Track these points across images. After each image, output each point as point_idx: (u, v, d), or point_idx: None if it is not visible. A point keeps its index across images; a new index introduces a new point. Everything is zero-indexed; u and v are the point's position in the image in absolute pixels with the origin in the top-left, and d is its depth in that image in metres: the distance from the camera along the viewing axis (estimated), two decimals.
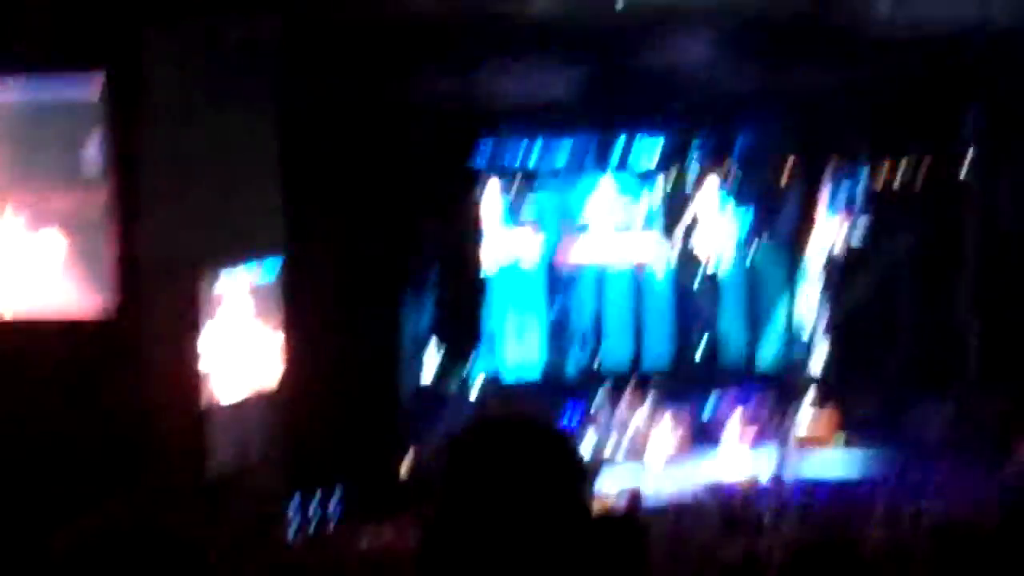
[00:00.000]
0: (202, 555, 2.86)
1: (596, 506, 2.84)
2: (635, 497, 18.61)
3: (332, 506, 17.68)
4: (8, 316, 14.33)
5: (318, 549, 15.94)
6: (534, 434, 2.72)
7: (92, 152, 13.94)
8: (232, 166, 14.94)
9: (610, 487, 18.44)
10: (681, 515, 17.49)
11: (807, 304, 22.72)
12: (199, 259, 14.86)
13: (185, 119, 14.34)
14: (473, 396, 21.07)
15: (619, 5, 14.66)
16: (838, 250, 22.04)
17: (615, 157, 21.94)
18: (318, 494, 17.42)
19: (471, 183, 21.18)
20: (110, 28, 13.63)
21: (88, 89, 13.88)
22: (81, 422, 14.04)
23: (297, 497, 17.15)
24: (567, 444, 2.73)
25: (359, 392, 18.19)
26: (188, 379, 14.98)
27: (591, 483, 2.82)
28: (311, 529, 17.31)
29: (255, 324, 16.01)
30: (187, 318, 14.91)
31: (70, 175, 14.05)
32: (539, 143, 21.46)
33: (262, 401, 16.22)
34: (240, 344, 15.78)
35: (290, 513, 17.07)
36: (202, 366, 15.11)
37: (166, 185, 14.25)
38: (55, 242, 14.09)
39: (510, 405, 20.62)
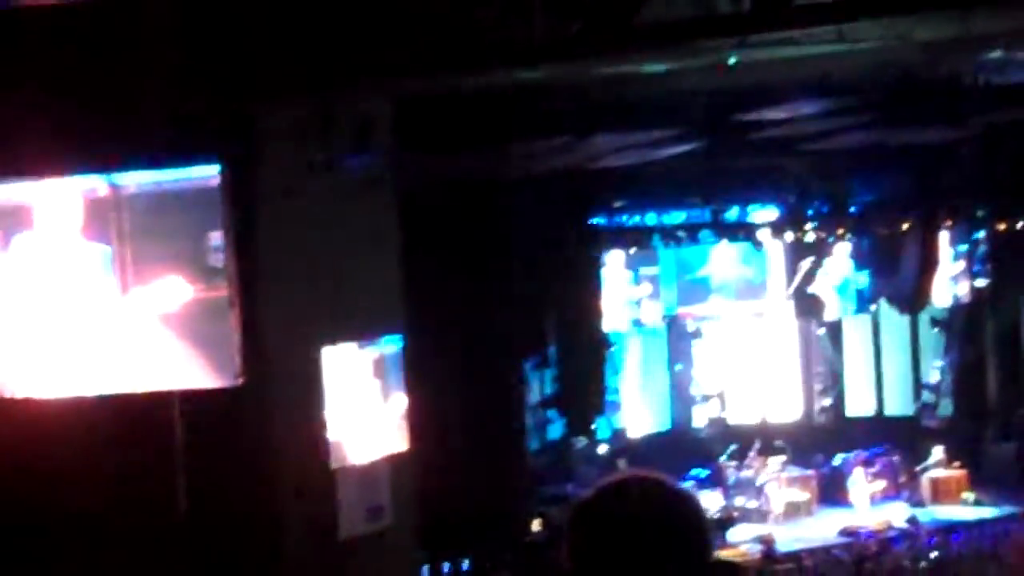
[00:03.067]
0: None
1: (728, 555, 2.98)
2: (768, 543, 18.49)
3: (463, 569, 17.79)
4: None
5: None
6: (656, 494, 2.83)
7: (217, 242, 14.05)
8: (351, 245, 15.18)
9: (742, 539, 18.37)
10: (815, 563, 17.34)
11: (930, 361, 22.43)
12: (320, 336, 15.11)
13: (301, 199, 14.56)
14: (601, 453, 21.04)
15: (731, 60, 14.56)
16: (959, 305, 21.74)
17: (729, 225, 21.87)
18: (448, 559, 17.56)
19: (589, 246, 21.26)
20: (223, 112, 13.85)
21: (208, 175, 14.02)
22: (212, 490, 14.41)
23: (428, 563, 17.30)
24: (690, 503, 2.85)
25: (487, 456, 18.34)
26: (316, 445, 15.30)
27: (715, 538, 2.92)
28: None
29: (380, 394, 16.28)
30: (310, 390, 15.19)
31: (196, 265, 14.19)
32: (653, 213, 21.44)
33: (391, 465, 16.46)
34: (367, 413, 16.10)
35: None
36: (329, 433, 15.40)
37: (285, 266, 14.52)
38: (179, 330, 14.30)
39: (637, 464, 20.62)
